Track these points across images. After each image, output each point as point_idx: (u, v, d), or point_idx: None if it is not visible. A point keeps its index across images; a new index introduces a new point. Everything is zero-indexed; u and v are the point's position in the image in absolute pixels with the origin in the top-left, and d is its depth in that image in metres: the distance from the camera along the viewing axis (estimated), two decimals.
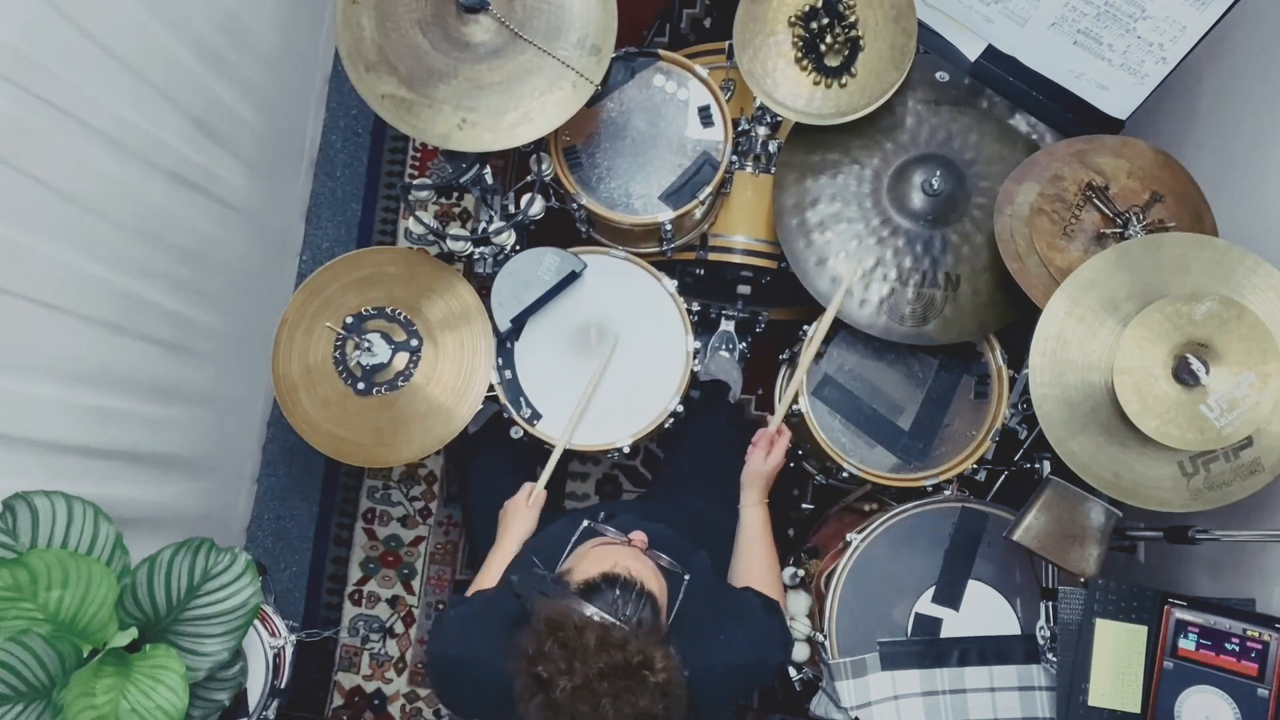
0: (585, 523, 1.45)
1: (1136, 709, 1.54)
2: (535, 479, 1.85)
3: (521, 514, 1.76)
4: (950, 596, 1.73)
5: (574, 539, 1.43)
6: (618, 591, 1.23)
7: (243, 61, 2.10)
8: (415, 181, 2.58)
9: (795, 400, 1.85)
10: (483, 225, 1.89)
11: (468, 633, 1.44)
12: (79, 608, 1.44)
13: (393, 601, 2.46)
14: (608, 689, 1.12)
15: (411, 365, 1.88)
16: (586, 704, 1.12)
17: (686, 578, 1.36)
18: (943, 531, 1.76)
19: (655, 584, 1.29)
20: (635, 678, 1.13)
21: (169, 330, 1.95)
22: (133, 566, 1.54)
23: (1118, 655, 1.56)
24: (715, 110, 1.90)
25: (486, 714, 1.42)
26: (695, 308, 2.14)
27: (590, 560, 1.30)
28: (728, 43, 1.85)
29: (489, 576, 1.65)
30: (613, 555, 1.31)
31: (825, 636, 1.71)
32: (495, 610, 1.43)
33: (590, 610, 1.19)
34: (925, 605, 1.72)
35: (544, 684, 1.14)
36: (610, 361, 1.88)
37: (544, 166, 1.86)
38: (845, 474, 1.86)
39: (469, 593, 1.64)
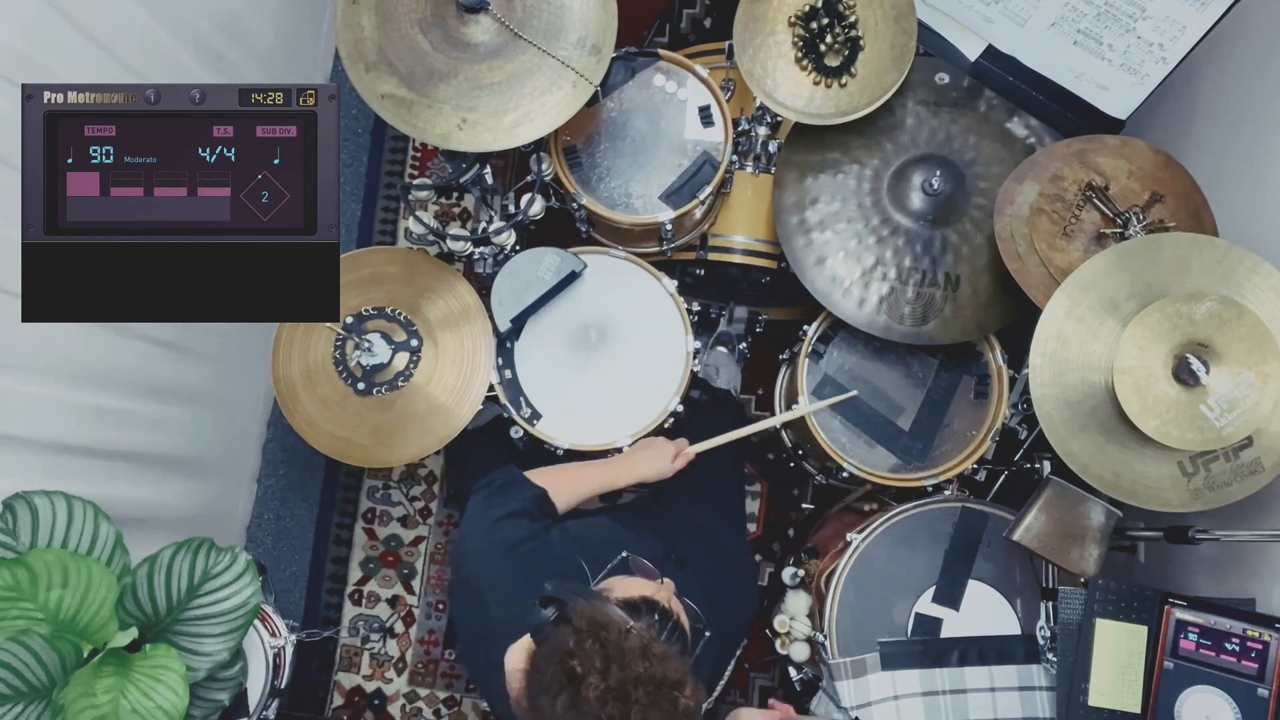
0: (625, 554, 1.44)
1: (1137, 709, 1.54)
2: None
3: (663, 454, 1.75)
4: (950, 596, 1.72)
5: (611, 565, 1.43)
6: (656, 617, 1.23)
7: (243, 61, 2.10)
8: (415, 181, 2.58)
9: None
10: (483, 225, 1.89)
11: (500, 559, 1.43)
12: (79, 608, 1.44)
13: (393, 601, 2.46)
14: (642, 697, 1.10)
15: (411, 365, 1.87)
16: (618, 708, 1.09)
17: (707, 634, 1.37)
18: (943, 531, 1.75)
19: (686, 624, 1.31)
20: (668, 695, 1.11)
21: (169, 330, 1.95)
22: (133, 566, 1.55)
23: (1118, 655, 1.56)
24: (715, 110, 1.90)
25: (481, 639, 1.41)
26: (695, 308, 2.14)
27: (630, 585, 1.31)
28: (728, 43, 1.84)
29: (567, 477, 1.64)
30: (651, 586, 1.32)
31: (825, 636, 1.71)
32: (543, 549, 1.44)
33: (633, 621, 1.18)
34: (925, 605, 1.72)
35: (575, 679, 1.11)
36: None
37: (544, 166, 1.86)
38: (845, 474, 1.86)
39: (529, 475, 1.62)
